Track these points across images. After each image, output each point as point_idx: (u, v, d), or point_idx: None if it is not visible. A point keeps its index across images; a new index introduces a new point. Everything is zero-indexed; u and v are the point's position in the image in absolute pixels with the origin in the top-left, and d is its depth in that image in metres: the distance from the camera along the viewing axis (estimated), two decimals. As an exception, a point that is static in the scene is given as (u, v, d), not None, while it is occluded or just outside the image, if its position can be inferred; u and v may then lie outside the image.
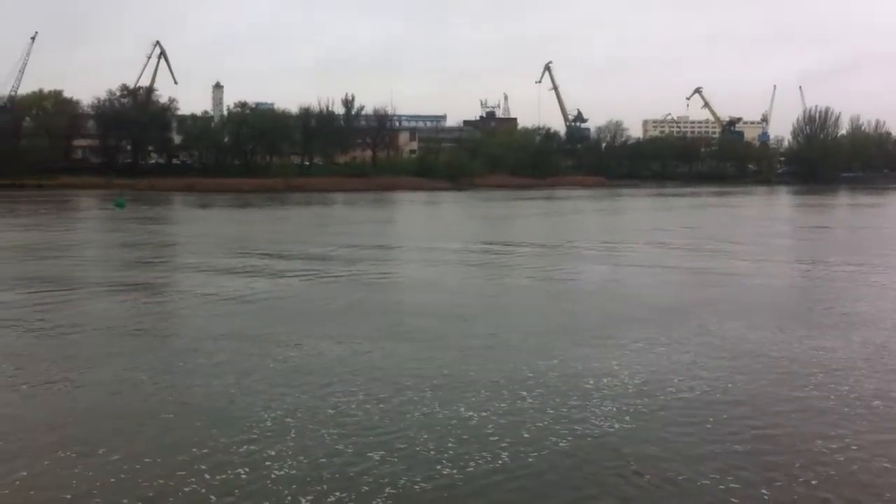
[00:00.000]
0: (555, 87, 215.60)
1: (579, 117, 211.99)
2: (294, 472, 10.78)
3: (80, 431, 12.19)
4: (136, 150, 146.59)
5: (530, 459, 11.34)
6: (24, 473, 10.46)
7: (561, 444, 11.88)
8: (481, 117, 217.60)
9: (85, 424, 12.54)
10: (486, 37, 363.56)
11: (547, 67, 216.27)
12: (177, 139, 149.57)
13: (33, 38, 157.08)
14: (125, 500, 9.76)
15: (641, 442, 12.00)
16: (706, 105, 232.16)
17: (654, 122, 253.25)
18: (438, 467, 11.05)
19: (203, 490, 10.11)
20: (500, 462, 11.25)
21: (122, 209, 75.11)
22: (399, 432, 12.29)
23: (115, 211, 73.35)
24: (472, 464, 11.16)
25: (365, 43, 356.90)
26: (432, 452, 11.52)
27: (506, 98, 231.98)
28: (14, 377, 15.22)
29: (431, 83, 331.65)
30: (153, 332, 19.73)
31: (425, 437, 12.10)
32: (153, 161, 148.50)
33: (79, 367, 15.97)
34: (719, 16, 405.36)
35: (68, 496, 9.89)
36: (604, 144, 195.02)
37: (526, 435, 12.21)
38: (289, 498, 9.93)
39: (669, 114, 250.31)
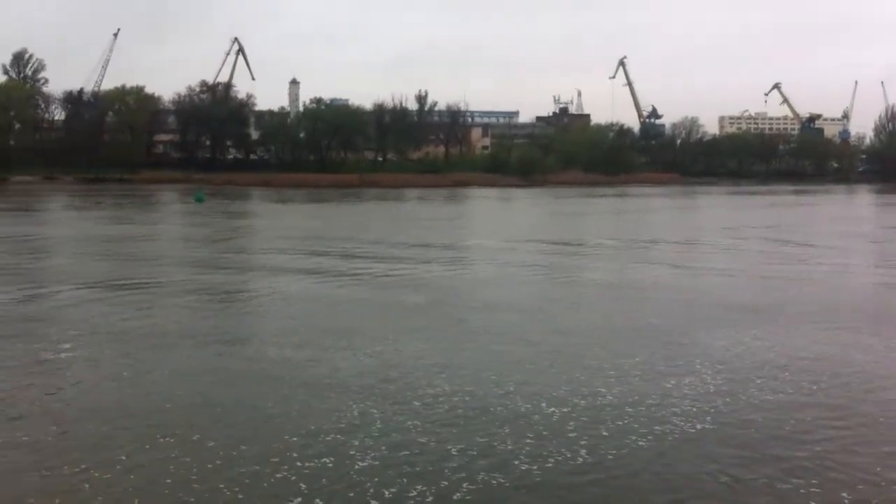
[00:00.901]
0: (629, 83, 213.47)
1: (654, 113, 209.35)
2: (377, 463, 11.00)
3: (178, 418, 12.64)
4: (214, 146, 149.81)
5: (609, 457, 11.35)
6: (124, 458, 10.92)
7: (640, 443, 11.86)
8: (554, 113, 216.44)
9: (183, 412, 13.00)
10: (559, 32, 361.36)
11: (621, 63, 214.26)
12: (254, 135, 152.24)
13: (116, 35, 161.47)
14: (222, 485, 10.13)
15: (722, 443, 11.91)
16: (785, 101, 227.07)
17: (731, 118, 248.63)
18: (517, 462, 11.12)
19: (293, 477, 10.43)
20: (579, 459, 11.28)
21: (201, 204, 76.95)
22: (480, 426, 12.44)
23: (194, 205, 75.19)
24: (550, 460, 11.22)
25: (440, 38, 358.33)
26: (511, 447, 11.61)
27: (579, 94, 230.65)
28: (118, 365, 15.80)
29: (505, 79, 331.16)
30: (241, 325, 20.28)
31: (506, 431, 12.22)
32: (231, 156, 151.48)
33: (175, 357, 16.54)
34: (800, 9, 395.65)
35: (168, 481, 10.28)
36: (679, 141, 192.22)
37: (605, 433, 12.24)
38: (371, 490, 10.13)
39: (746, 110, 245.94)
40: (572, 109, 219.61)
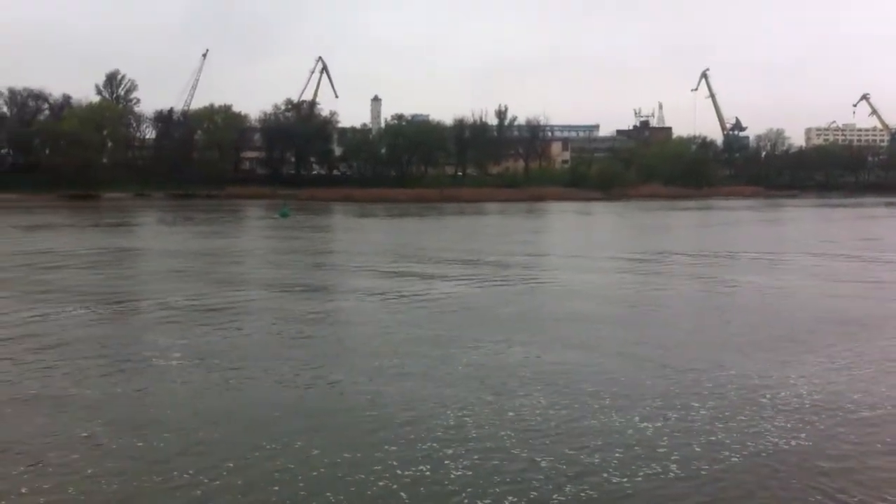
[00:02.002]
0: (711, 95, 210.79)
1: (737, 125, 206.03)
2: (470, 472, 11.25)
3: (281, 426, 13.11)
4: (299, 162, 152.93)
5: (702, 473, 11.33)
6: (231, 465, 11.41)
7: (733, 459, 11.82)
8: (635, 126, 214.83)
9: (285, 420, 13.47)
10: (641, 45, 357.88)
11: (704, 75, 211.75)
12: (337, 151, 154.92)
13: (205, 56, 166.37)
14: (328, 493, 10.52)
15: (817, 459, 11.83)
16: (874, 112, 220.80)
17: (818, 129, 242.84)
18: (606, 475, 11.22)
19: (394, 486, 10.77)
20: (670, 474, 11.30)
21: (286, 218, 78.59)
22: (572, 438, 12.61)
23: (279, 220, 76.84)
24: (640, 474, 11.28)
25: (520, 53, 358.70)
26: (602, 460, 11.72)
27: (660, 107, 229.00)
28: (223, 374, 16.49)
29: (585, 93, 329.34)
30: (338, 336, 20.75)
31: (598, 444, 12.36)
32: (315, 172, 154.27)
33: (275, 367, 17.12)
34: (888, 18, 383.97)
35: (275, 488, 10.71)
36: (763, 153, 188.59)
37: (697, 448, 12.23)
38: (466, 501, 10.37)
39: (834, 121, 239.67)
40: (653, 122, 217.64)
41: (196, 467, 11.28)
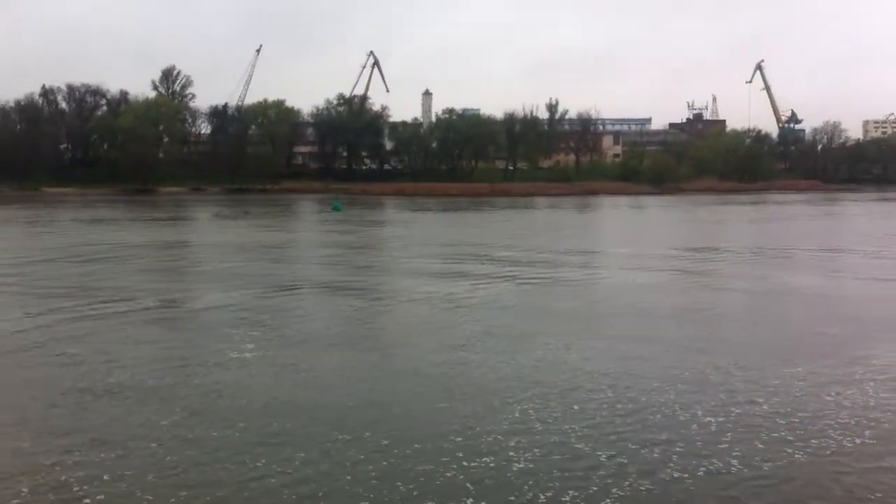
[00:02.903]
0: (766, 88, 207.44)
1: (793, 118, 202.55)
2: (532, 465, 11.47)
3: (350, 416, 13.51)
4: (350, 156, 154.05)
5: (765, 469, 11.39)
6: (303, 454, 11.78)
7: (796, 456, 11.87)
8: (688, 119, 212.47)
9: (354, 411, 13.86)
10: (694, 37, 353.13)
11: (758, 67, 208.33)
12: (388, 145, 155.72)
13: (258, 51, 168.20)
14: (399, 483, 10.83)
15: (881, 458, 11.82)
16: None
17: (876, 122, 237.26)
18: (667, 470, 11.32)
19: (461, 476, 11.06)
20: (732, 469, 11.37)
21: (338, 212, 79.42)
22: (635, 433, 12.77)
23: (332, 214, 77.70)
24: (701, 469, 11.36)
25: (572, 47, 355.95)
26: (664, 455, 11.84)
27: (714, 99, 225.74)
28: (292, 365, 17.03)
29: (637, 86, 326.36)
30: (402, 330, 21.22)
31: (661, 438, 12.49)
32: (366, 166, 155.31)
33: (341, 359, 17.65)
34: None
35: (347, 477, 11.06)
36: (820, 147, 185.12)
37: (760, 444, 12.29)
38: (529, 494, 10.57)
39: (892, 113, 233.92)
40: (707, 115, 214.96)
41: (271, 457, 11.66)
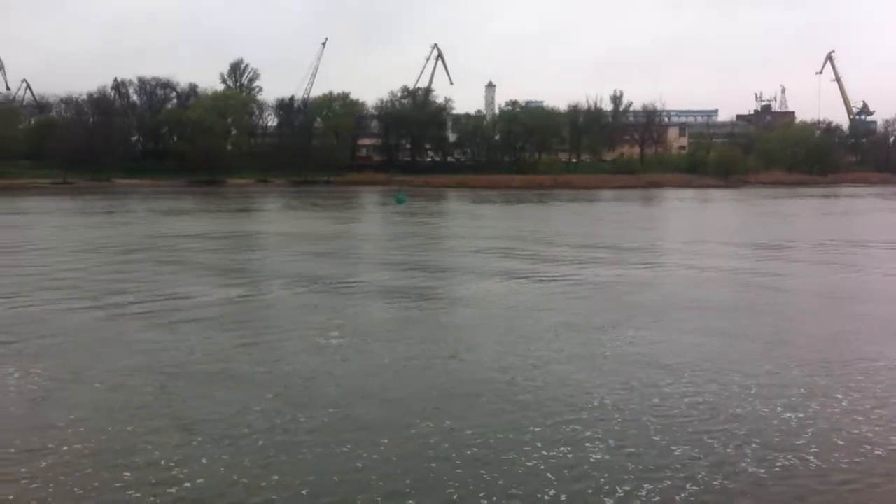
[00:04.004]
0: (837, 79, 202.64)
1: (864, 110, 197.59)
2: (608, 457, 11.66)
3: (435, 406, 13.88)
4: (414, 148, 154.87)
5: (842, 465, 11.41)
6: (386, 441, 12.19)
7: (876, 452, 11.87)
8: (756, 111, 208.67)
9: (439, 399, 14.26)
10: (762, 28, 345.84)
11: (829, 57, 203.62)
12: (451, 137, 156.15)
13: (324, 44, 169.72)
14: (483, 472, 11.13)
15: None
16: None
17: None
18: (743, 465, 11.40)
19: (541, 466, 11.33)
20: (810, 466, 11.40)
21: (402, 204, 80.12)
22: (713, 426, 12.88)
23: (396, 206, 78.39)
24: (778, 464, 11.43)
25: (637, 38, 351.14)
26: (737, 449, 11.93)
27: (783, 91, 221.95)
28: (378, 354, 17.52)
29: (703, 77, 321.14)
30: (479, 320, 21.37)
31: (739, 432, 12.59)
32: (429, 158, 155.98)
33: (427, 347, 18.14)
34: None
35: (432, 465, 11.42)
36: (892, 139, 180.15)
37: (839, 441, 12.30)
38: (606, 487, 10.74)
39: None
40: (776, 107, 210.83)
41: (357, 443, 12.08)
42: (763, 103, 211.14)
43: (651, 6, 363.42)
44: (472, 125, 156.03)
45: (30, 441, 12.13)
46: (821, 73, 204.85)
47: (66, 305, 23.08)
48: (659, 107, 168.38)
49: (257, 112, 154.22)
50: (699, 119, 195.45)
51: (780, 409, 13.78)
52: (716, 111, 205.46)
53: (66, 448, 11.88)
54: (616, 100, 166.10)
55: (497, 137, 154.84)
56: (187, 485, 10.72)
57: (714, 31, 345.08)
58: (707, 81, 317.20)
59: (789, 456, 11.79)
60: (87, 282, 27.66)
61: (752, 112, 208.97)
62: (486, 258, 35.38)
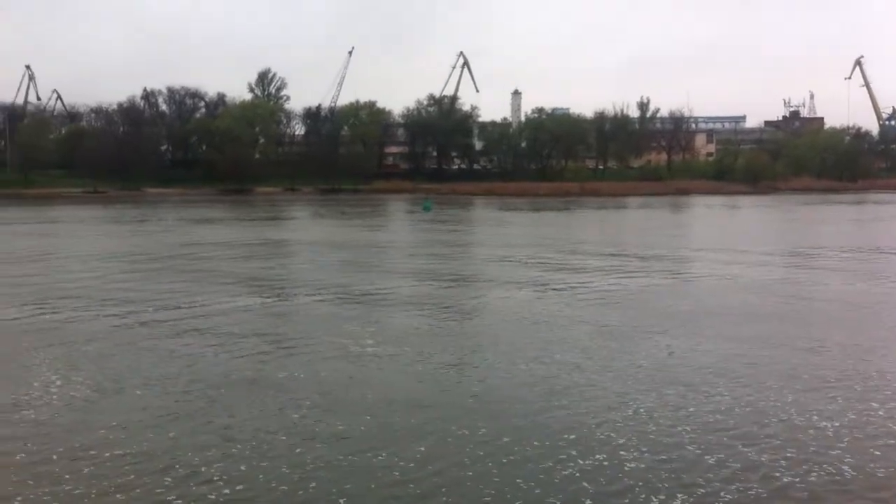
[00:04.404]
0: (866, 84, 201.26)
1: (894, 115, 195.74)
2: (643, 465, 11.65)
3: (471, 415, 13.92)
4: (440, 156, 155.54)
5: (878, 475, 11.31)
6: (423, 449, 12.26)
7: (914, 463, 11.76)
8: (784, 117, 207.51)
9: (475, 409, 14.29)
10: (790, 33, 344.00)
11: (857, 63, 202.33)
12: (478, 145, 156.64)
13: (350, 53, 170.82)
14: (519, 480, 11.20)
15: None
16: None
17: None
18: (777, 474, 11.35)
19: (577, 474, 11.35)
20: (845, 475, 11.31)
21: (429, 212, 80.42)
22: (748, 435, 12.84)
23: (423, 214, 78.66)
24: (813, 474, 11.35)
25: (663, 46, 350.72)
26: (771, 458, 11.87)
27: (811, 97, 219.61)
28: (411, 361, 17.72)
29: (731, 83, 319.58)
30: (510, 329, 21.27)
31: (774, 442, 12.54)
32: (456, 166, 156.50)
33: (461, 356, 18.20)
34: None
35: (469, 473, 11.45)
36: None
37: (876, 451, 12.19)
38: (641, 495, 10.73)
39: None
40: (804, 113, 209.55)
41: (393, 450, 12.17)
42: (791, 109, 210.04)
43: (677, 13, 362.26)
44: (498, 133, 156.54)
45: (72, 447, 12.32)
46: (850, 78, 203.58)
47: (101, 313, 23.41)
48: (686, 113, 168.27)
49: (285, 121, 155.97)
50: (727, 125, 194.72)
51: (815, 417, 13.72)
52: (744, 117, 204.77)
53: (107, 454, 12.04)
54: (643, 106, 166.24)
55: (523, 145, 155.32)
56: (226, 491, 10.84)
57: (742, 37, 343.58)
58: (735, 88, 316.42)
59: (825, 465, 11.71)
60: (122, 290, 28.04)
61: (780, 118, 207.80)
62: (515, 266, 35.47)
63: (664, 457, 11.99)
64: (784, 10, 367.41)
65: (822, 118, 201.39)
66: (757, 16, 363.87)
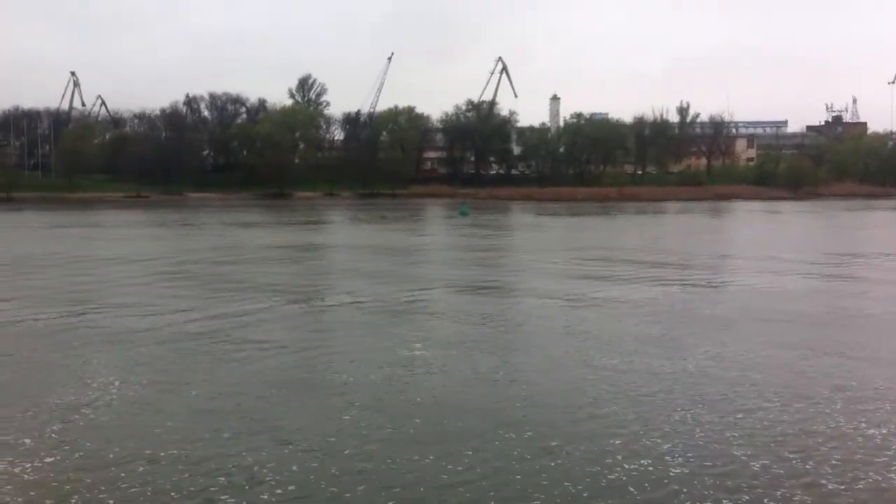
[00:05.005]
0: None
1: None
2: (687, 470, 11.69)
3: (520, 418, 14.07)
4: (478, 161, 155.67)
5: None
6: (470, 452, 12.40)
7: (965, 473, 11.68)
8: (826, 122, 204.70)
9: (523, 411, 14.48)
10: (833, 37, 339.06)
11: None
12: (516, 150, 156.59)
13: (390, 59, 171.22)
14: (567, 483, 11.33)
15: None
16: None
17: None
18: (823, 481, 11.34)
19: (623, 478, 11.46)
20: (893, 482, 11.29)
21: (466, 217, 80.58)
22: (795, 442, 12.85)
23: (460, 219, 78.88)
24: (860, 482, 11.31)
25: (703, 50, 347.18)
26: (817, 465, 11.87)
27: (854, 101, 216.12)
28: (460, 365, 17.94)
29: (772, 88, 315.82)
30: (555, 334, 21.45)
31: (821, 449, 12.55)
32: (494, 171, 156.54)
33: (510, 360, 18.53)
34: None
35: (517, 476, 11.59)
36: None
37: (925, 460, 12.12)
38: (686, 502, 10.79)
39: None
40: (847, 117, 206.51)
41: (442, 453, 12.37)
42: (834, 114, 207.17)
43: (717, 17, 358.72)
44: (536, 138, 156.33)
45: (128, 447, 12.64)
46: (893, 82, 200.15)
47: (153, 315, 23.91)
48: (726, 118, 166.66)
49: (324, 126, 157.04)
50: (768, 130, 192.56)
51: (863, 424, 13.68)
52: (785, 122, 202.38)
53: (163, 454, 12.36)
54: (682, 111, 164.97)
55: (561, 150, 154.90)
56: (279, 491, 11.08)
57: (783, 42, 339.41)
58: (776, 92, 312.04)
59: (871, 473, 11.70)
60: (171, 293, 28.59)
61: (822, 123, 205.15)
62: (556, 272, 35.49)
63: (709, 463, 12.03)
64: (827, 13, 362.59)
65: (864, 123, 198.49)
66: (799, 19, 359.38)
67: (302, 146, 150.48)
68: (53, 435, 13.27)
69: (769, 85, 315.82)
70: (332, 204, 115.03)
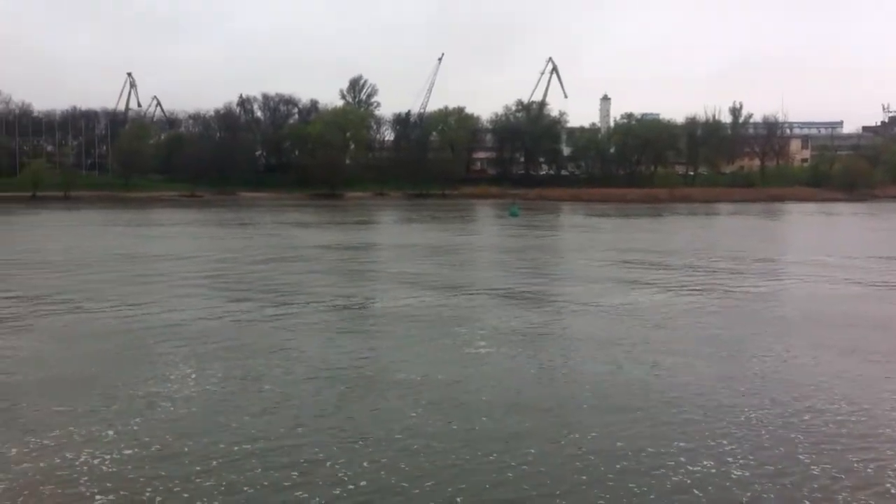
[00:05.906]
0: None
1: None
2: (748, 473, 11.85)
3: (584, 417, 14.38)
4: (528, 162, 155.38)
5: None
6: (534, 451, 12.67)
7: None
8: (883, 122, 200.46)
9: (587, 411, 14.75)
10: (889, 36, 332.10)
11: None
12: (565, 150, 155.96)
13: (440, 60, 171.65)
14: (632, 484, 11.56)
15: None
16: None
17: None
18: (888, 486, 11.46)
19: (688, 481, 11.64)
20: None
21: (516, 217, 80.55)
22: (860, 446, 12.92)
23: (510, 219, 78.89)
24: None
25: (757, 50, 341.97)
26: (880, 470, 11.99)
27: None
28: (527, 363, 18.36)
29: (828, 88, 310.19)
30: (615, 335, 21.53)
31: (884, 454, 12.63)
32: (543, 172, 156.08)
33: (576, 359, 18.79)
34: None
35: (582, 476, 11.86)
36: None
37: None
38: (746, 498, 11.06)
39: None
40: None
41: (505, 452, 12.67)
42: (890, 114, 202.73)
43: (771, 16, 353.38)
44: (586, 138, 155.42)
45: (202, 442, 13.11)
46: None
47: (224, 311, 24.68)
48: (781, 118, 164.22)
49: (375, 127, 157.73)
50: (823, 131, 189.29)
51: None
52: (840, 123, 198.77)
53: (236, 448, 12.80)
54: (735, 111, 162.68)
55: (612, 150, 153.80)
56: (350, 486, 11.43)
57: (839, 41, 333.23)
58: (831, 92, 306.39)
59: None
60: (237, 289, 29.33)
61: (878, 123, 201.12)
62: (609, 273, 35.50)
63: (770, 467, 12.14)
64: (882, 11, 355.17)
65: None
66: (853, 19, 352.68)
67: (353, 147, 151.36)
68: (134, 428, 13.80)
69: (824, 85, 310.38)
70: (383, 204, 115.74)
